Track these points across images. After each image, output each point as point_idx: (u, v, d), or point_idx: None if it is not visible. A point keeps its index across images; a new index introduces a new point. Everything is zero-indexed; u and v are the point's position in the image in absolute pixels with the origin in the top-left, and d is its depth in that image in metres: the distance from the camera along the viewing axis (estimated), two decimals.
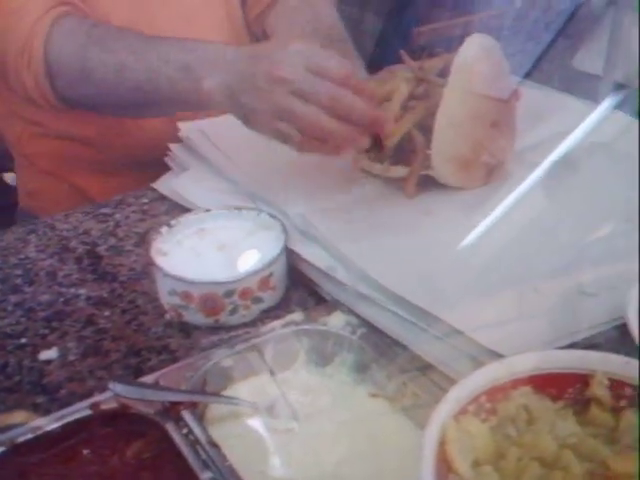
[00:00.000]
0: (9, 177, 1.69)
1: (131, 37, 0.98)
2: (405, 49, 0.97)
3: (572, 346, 0.65)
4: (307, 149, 0.84)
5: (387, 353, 0.71)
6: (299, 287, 0.83)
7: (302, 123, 0.81)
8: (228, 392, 0.71)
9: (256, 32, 1.26)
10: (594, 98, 0.99)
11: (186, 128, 1.05)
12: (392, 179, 0.92)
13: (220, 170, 0.98)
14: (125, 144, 1.13)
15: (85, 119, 1.10)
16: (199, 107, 0.95)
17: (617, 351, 0.57)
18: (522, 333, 0.68)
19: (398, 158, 0.91)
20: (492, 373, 0.55)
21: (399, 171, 0.91)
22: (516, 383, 0.55)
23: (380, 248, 0.80)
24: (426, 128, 0.88)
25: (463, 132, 0.89)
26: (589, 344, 0.66)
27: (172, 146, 1.03)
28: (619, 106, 0.92)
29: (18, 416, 0.67)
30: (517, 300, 0.71)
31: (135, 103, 1.00)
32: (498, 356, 0.63)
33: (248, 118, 0.86)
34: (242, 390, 0.71)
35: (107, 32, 1.00)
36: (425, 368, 0.68)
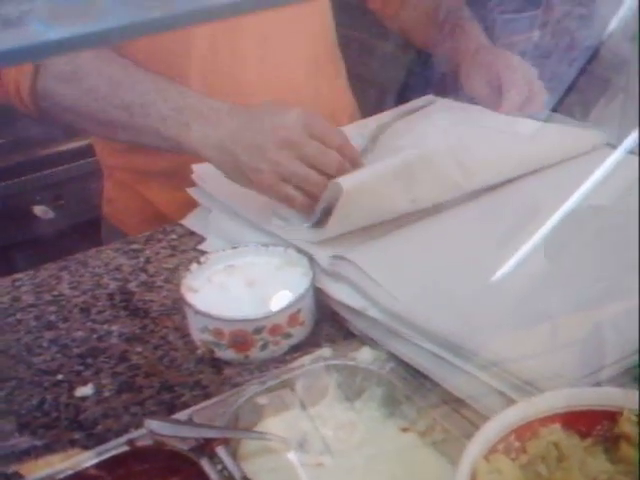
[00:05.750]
0: (39, 210, 1.73)
1: (131, 65, 0.99)
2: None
3: (597, 383, 0.65)
4: (309, 209, 0.90)
5: (416, 388, 0.72)
6: (327, 321, 0.84)
7: (309, 187, 0.88)
8: (260, 427, 0.72)
9: (392, 29, 1.34)
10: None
11: (198, 171, 1.03)
12: None
13: (239, 213, 0.97)
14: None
15: None
16: (180, 152, 0.96)
17: None
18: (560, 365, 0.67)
19: None
20: (520, 412, 0.56)
21: None
22: (544, 421, 0.56)
23: (411, 280, 0.81)
24: None
25: None
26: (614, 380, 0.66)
27: (189, 190, 1.03)
28: None
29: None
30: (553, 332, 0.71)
31: (114, 122, 0.98)
32: (530, 390, 0.64)
33: (249, 177, 0.89)
34: (274, 425, 0.73)
35: (110, 52, 1.00)
36: (455, 402, 0.69)
